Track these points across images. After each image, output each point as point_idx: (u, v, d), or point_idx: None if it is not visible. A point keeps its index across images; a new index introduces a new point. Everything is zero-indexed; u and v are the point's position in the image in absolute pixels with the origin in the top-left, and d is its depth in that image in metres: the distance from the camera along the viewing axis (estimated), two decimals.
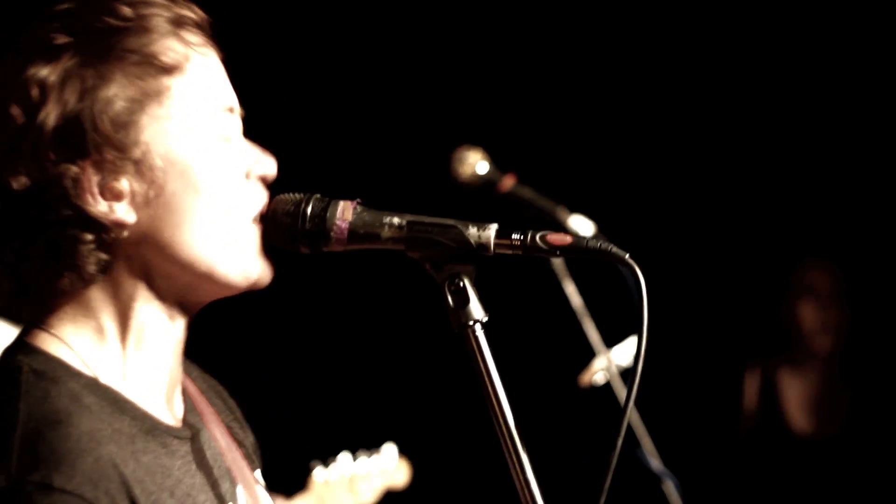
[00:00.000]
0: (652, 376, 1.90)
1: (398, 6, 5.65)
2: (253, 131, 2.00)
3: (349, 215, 1.92)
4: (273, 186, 1.97)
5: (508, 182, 4.00)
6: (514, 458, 1.86)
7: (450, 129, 4.72)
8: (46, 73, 1.84)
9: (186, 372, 2.08)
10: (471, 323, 1.87)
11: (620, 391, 4.02)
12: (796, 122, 5.88)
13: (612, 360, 4.05)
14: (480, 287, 1.90)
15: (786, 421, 5.62)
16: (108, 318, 1.90)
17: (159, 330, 1.93)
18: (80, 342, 1.89)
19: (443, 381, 4.81)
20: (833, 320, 5.60)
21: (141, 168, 1.87)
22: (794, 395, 5.66)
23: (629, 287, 2.40)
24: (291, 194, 1.95)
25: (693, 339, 5.70)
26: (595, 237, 1.93)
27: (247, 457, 2.13)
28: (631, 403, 1.87)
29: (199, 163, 1.88)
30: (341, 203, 1.93)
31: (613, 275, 3.00)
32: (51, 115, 1.83)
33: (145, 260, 1.90)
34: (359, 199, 1.95)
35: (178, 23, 1.91)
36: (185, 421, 1.99)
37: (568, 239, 1.88)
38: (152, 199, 1.87)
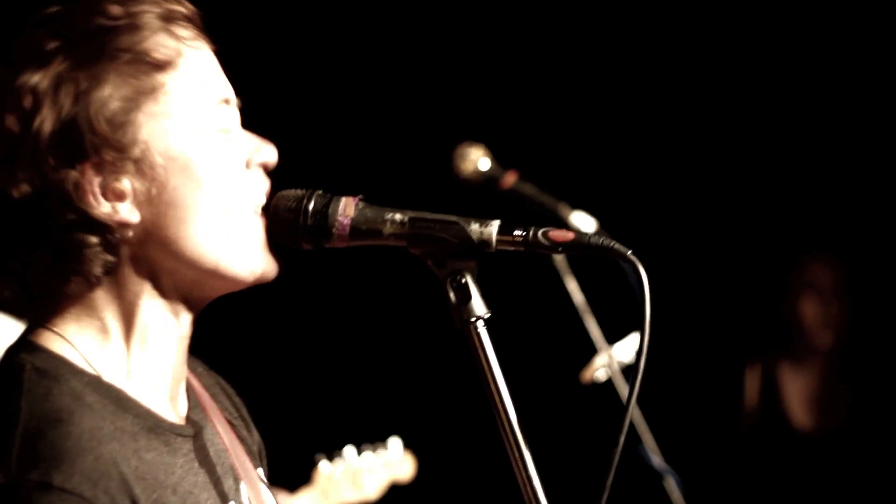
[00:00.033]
0: (653, 373, 1.90)
1: (400, 3, 5.65)
2: (255, 127, 1.99)
3: (351, 211, 1.92)
4: (275, 183, 1.97)
5: (510, 179, 4.00)
6: (516, 454, 1.86)
7: (452, 125, 4.72)
8: (38, 79, 1.83)
9: (191, 368, 2.07)
10: (473, 319, 1.87)
11: (622, 388, 4.02)
12: (798, 118, 5.88)
13: (614, 357, 4.05)
14: (482, 283, 1.89)
15: (787, 417, 5.62)
16: (112, 317, 1.90)
17: (164, 327, 1.93)
18: (83, 340, 1.89)
19: (448, 376, 4.80)
20: (834, 316, 5.60)
21: (141, 166, 1.86)
22: (795, 391, 5.66)
23: (631, 283, 2.40)
24: (293, 190, 1.94)
25: (694, 335, 5.70)
26: (597, 234, 1.92)
27: (250, 454, 2.13)
28: (633, 400, 1.87)
29: (199, 156, 1.88)
30: (343, 199, 1.93)
31: (615, 271, 3.01)
32: (46, 121, 1.82)
33: (150, 258, 1.89)
34: (361, 196, 1.94)
35: (169, 18, 1.90)
36: (188, 418, 1.99)
37: (570, 235, 1.88)
38: (154, 197, 1.87)
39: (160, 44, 1.88)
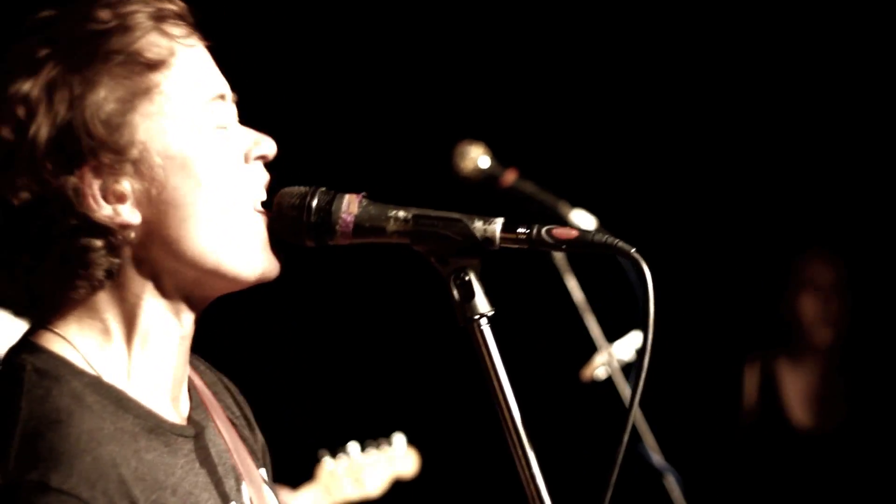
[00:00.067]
0: (653, 371, 1.89)
1: (401, 1, 5.65)
2: (257, 125, 1.99)
3: (355, 209, 1.92)
4: (277, 181, 1.97)
5: (510, 177, 4.00)
6: (519, 451, 1.86)
7: (452, 123, 4.72)
8: (29, 87, 1.83)
9: (194, 367, 2.07)
10: (476, 317, 1.87)
11: (622, 386, 4.02)
12: (797, 116, 5.88)
13: (614, 355, 4.05)
14: (483, 281, 1.89)
15: (786, 415, 5.62)
16: (113, 318, 1.90)
17: (166, 328, 1.92)
18: (84, 341, 1.88)
19: (453, 372, 4.80)
20: (834, 313, 5.59)
21: (140, 167, 1.86)
22: (795, 388, 5.66)
23: (631, 281, 2.40)
24: (297, 187, 1.94)
25: (694, 332, 5.70)
26: (598, 231, 1.92)
27: (252, 453, 2.12)
28: (637, 398, 1.87)
29: (196, 154, 1.88)
30: (347, 196, 1.93)
31: (615, 269, 3.01)
32: (42, 127, 1.82)
33: (152, 259, 1.89)
34: (364, 193, 1.94)
35: (160, 17, 1.89)
36: (190, 418, 1.98)
37: (574, 233, 1.87)
38: (155, 197, 1.87)
39: (152, 43, 1.88)
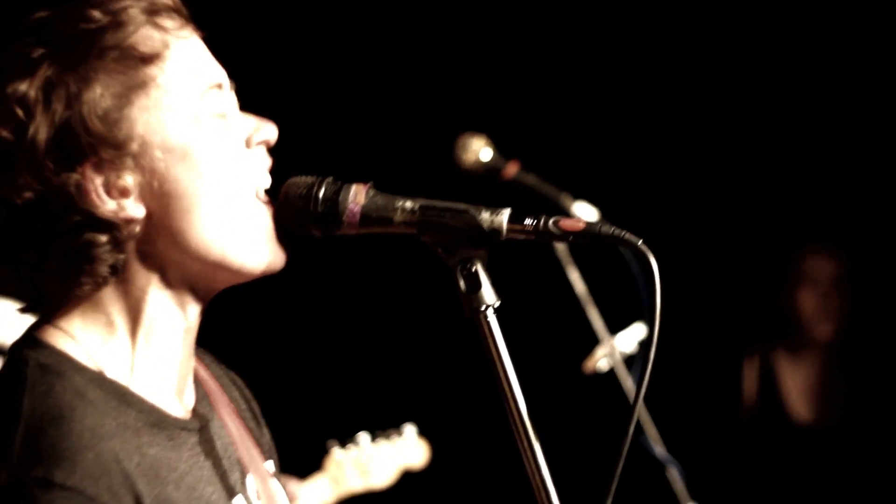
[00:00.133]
0: (654, 363, 1.90)
1: None
2: (261, 116, 1.99)
3: (362, 199, 1.92)
4: (280, 173, 1.97)
5: (512, 169, 4.00)
6: (524, 441, 1.86)
7: (454, 115, 4.71)
8: (26, 87, 1.83)
9: (200, 359, 2.08)
10: (483, 308, 1.87)
11: (624, 378, 4.03)
12: (798, 110, 5.88)
13: (616, 347, 4.05)
14: (488, 273, 1.90)
15: (785, 409, 5.62)
16: (118, 312, 1.90)
17: (171, 321, 1.93)
18: (88, 336, 1.89)
19: (465, 363, 4.80)
20: (834, 308, 5.59)
21: (140, 161, 1.87)
22: (794, 383, 5.66)
23: (634, 273, 2.40)
24: (304, 177, 1.94)
25: (694, 325, 5.70)
26: (603, 223, 1.92)
27: (259, 446, 2.13)
28: (643, 390, 1.88)
29: (196, 144, 1.88)
30: (354, 186, 1.93)
31: (618, 261, 3.01)
32: (41, 127, 1.83)
33: (157, 252, 1.90)
34: (371, 183, 1.94)
35: (153, 11, 1.90)
36: (195, 411, 1.99)
37: (580, 224, 1.88)
38: (157, 190, 1.87)
39: (146, 37, 1.88)
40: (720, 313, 5.89)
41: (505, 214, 1.88)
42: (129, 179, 1.86)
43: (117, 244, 1.87)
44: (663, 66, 5.84)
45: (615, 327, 4.08)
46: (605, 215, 3.94)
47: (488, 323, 1.87)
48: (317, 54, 5.49)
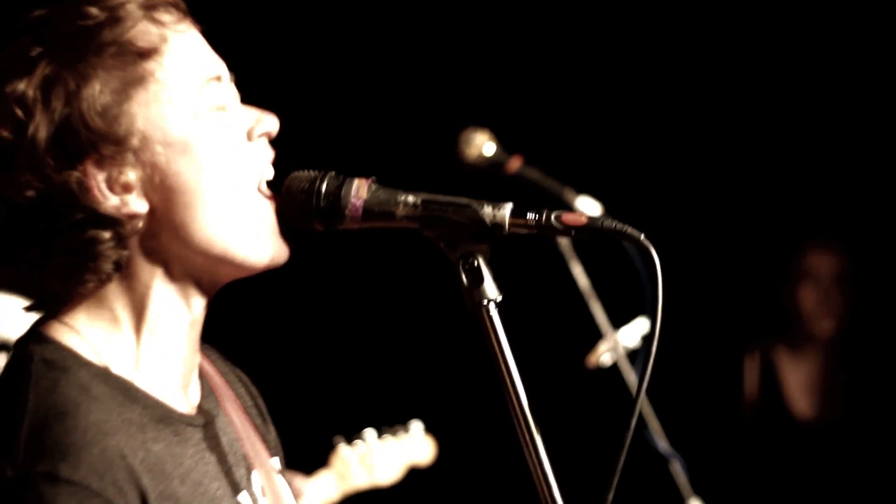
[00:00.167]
0: (657, 357, 1.90)
1: None
2: (260, 109, 1.99)
3: (364, 193, 1.92)
4: (283, 167, 1.97)
5: (515, 163, 4.00)
6: (526, 435, 1.86)
7: (457, 110, 4.71)
8: (24, 87, 1.83)
9: (206, 356, 2.08)
10: (485, 302, 1.87)
11: (627, 372, 4.03)
12: (800, 105, 5.87)
13: (619, 342, 4.05)
14: (489, 268, 1.90)
15: (786, 405, 5.62)
16: (123, 307, 1.91)
17: (175, 315, 1.93)
18: (93, 332, 1.89)
19: (473, 359, 4.81)
20: (834, 304, 5.58)
21: (141, 156, 1.87)
22: (795, 379, 5.66)
23: (637, 268, 2.40)
24: (306, 171, 1.94)
25: (696, 320, 5.70)
26: (606, 217, 1.92)
27: (265, 442, 2.12)
28: (645, 384, 1.88)
29: (196, 138, 1.88)
30: (356, 181, 1.93)
31: (621, 256, 3.01)
32: (40, 126, 1.83)
33: (161, 247, 1.90)
34: (373, 178, 1.94)
35: (150, 6, 1.90)
36: (200, 407, 1.99)
37: (583, 219, 1.88)
38: (159, 184, 1.88)
39: (143, 32, 1.88)
40: (722, 309, 5.89)
41: (507, 209, 1.88)
42: (131, 175, 1.86)
43: (120, 240, 1.87)
44: (666, 63, 5.84)
45: (618, 322, 4.08)
46: (608, 210, 3.94)
47: (490, 317, 1.87)
48: (320, 48, 5.49)
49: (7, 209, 1.86)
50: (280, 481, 2.10)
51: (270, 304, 5.02)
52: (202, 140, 1.89)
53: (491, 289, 1.88)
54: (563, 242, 4.09)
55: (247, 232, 1.91)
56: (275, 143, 1.99)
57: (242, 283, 2.00)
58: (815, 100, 5.84)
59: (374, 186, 1.93)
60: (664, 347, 1.91)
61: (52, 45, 1.85)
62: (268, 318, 5.25)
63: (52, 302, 1.92)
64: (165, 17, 1.91)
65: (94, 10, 1.87)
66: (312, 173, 1.94)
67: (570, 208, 3.82)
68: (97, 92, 1.84)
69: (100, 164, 1.85)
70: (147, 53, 1.88)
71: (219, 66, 1.95)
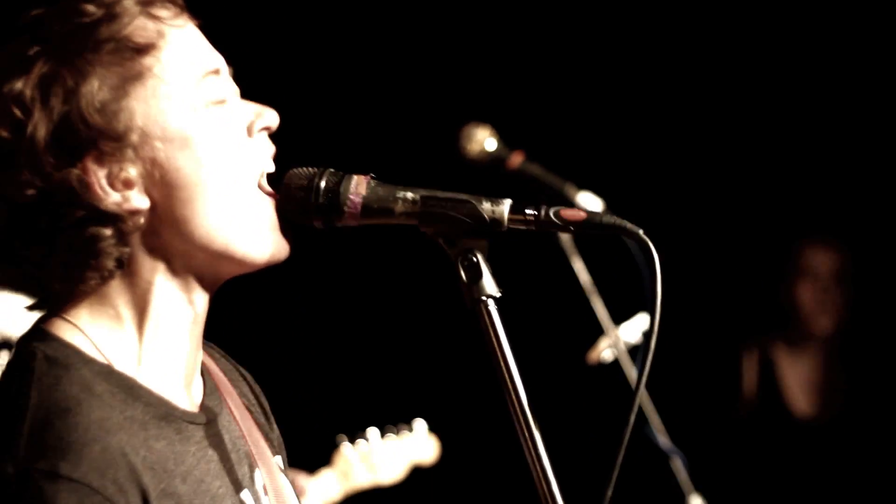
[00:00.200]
0: (657, 353, 1.90)
1: None
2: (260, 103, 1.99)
3: (363, 189, 1.92)
4: (282, 164, 1.97)
5: (517, 159, 4.00)
6: (525, 432, 1.86)
7: (458, 105, 4.71)
8: (21, 86, 1.83)
9: (209, 353, 2.08)
10: (483, 298, 1.87)
11: (628, 368, 4.03)
12: (799, 102, 5.87)
13: (620, 338, 4.05)
14: (489, 264, 1.89)
15: (785, 403, 5.62)
16: (125, 304, 1.91)
17: (178, 311, 1.93)
18: (96, 329, 1.89)
19: (477, 357, 4.80)
20: (833, 301, 5.58)
21: (141, 152, 1.87)
22: (794, 376, 5.65)
23: (638, 264, 2.40)
24: (305, 168, 1.94)
25: (695, 317, 5.69)
26: (605, 213, 1.92)
27: (268, 440, 2.12)
28: (643, 380, 1.88)
29: (195, 132, 1.88)
30: (355, 177, 1.92)
31: (622, 252, 3.01)
32: (40, 124, 1.83)
33: (162, 244, 1.90)
34: (372, 174, 1.94)
35: (147, 2, 1.90)
36: (203, 405, 1.98)
37: (582, 214, 1.88)
38: (159, 180, 1.87)
39: (140, 28, 1.88)
40: (721, 305, 5.88)
41: (506, 205, 1.89)
42: (131, 171, 1.86)
43: (122, 237, 1.87)
44: (667, 60, 5.84)
45: (619, 318, 4.08)
46: (609, 206, 3.93)
47: (489, 313, 1.87)
48: (321, 43, 5.49)
49: (8, 208, 1.86)
50: (283, 480, 2.09)
51: (274, 301, 5.03)
52: (201, 135, 1.88)
53: (490, 285, 1.88)
54: (565, 238, 4.09)
55: (247, 227, 1.91)
56: (274, 138, 1.99)
57: (245, 281, 2.00)
58: (815, 98, 5.84)
59: (372, 183, 1.93)
60: (664, 344, 1.91)
61: (49, 43, 1.85)
62: (271, 316, 5.25)
63: (55, 300, 1.91)
64: (162, 12, 1.91)
65: (90, 8, 1.87)
66: (311, 170, 1.93)
67: (571, 204, 3.82)
68: (95, 89, 1.84)
69: (100, 161, 1.85)
70: (144, 49, 1.88)
71: (217, 60, 1.95)
